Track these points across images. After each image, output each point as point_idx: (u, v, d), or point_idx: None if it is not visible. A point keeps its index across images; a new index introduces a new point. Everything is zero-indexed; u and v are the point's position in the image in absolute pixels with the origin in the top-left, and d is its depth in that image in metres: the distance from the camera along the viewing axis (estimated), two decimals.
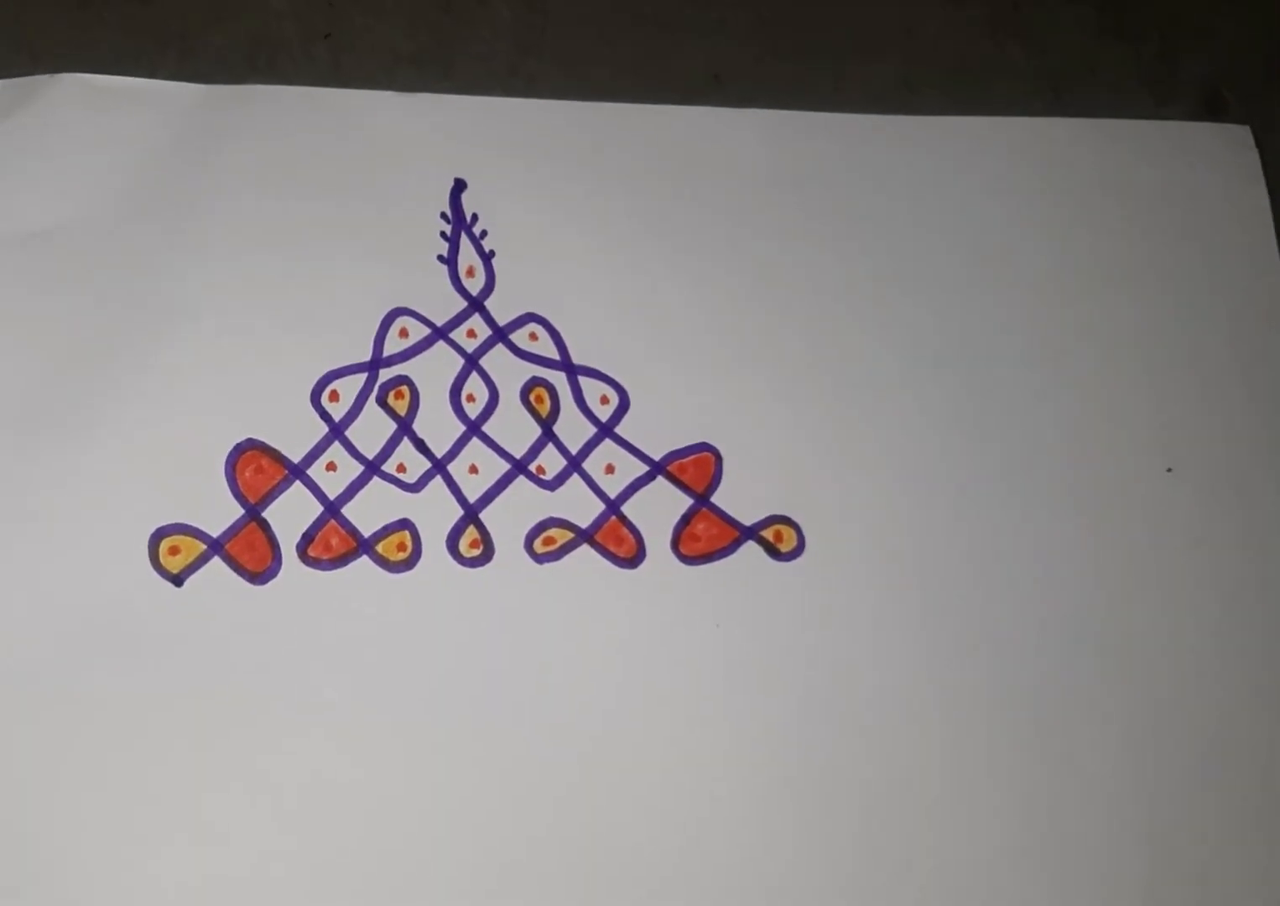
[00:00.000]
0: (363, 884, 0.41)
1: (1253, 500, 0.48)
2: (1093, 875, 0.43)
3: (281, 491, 0.44)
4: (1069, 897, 0.43)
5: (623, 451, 0.46)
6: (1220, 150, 0.52)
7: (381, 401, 0.46)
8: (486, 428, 0.46)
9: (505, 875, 0.42)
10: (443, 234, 0.48)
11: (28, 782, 0.41)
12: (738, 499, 0.46)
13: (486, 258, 0.47)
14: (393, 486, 0.45)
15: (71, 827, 0.41)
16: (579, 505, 0.45)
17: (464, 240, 0.48)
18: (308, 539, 0.44)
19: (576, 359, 0.47)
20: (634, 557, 0.45)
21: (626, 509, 0.46)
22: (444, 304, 0.47)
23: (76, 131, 0.47)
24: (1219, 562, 0.47)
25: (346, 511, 0.45)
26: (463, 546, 0.45)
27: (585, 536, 0.45)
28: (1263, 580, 0.47)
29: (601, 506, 0.46)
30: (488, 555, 0.45)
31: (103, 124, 0.48)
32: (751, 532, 0.46)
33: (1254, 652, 0.46)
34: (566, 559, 0.45)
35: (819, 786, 0.43)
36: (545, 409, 0.46)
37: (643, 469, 0.46)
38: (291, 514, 0.44)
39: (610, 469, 0.46)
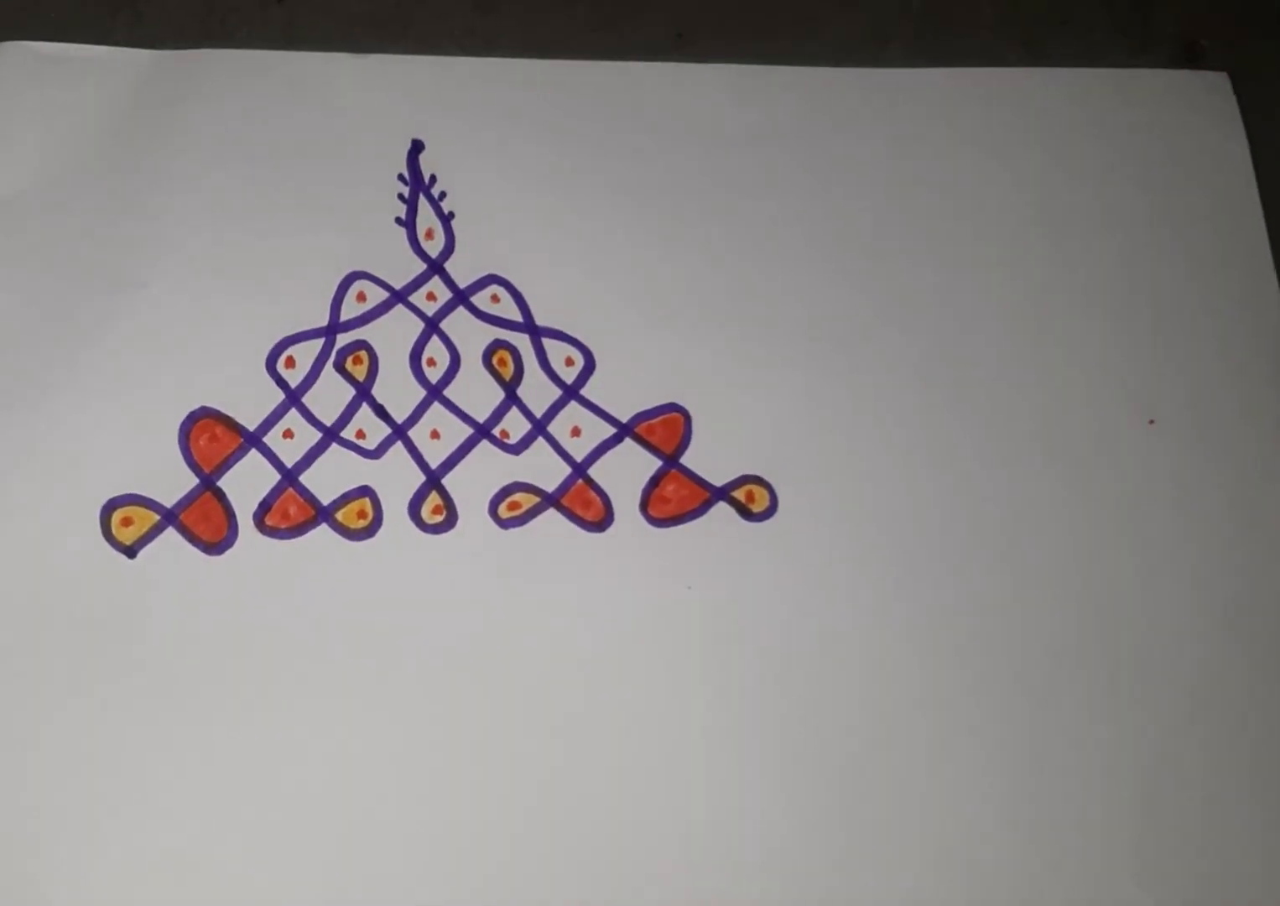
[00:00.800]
0: (327, 854, 0.40)
1: (1235, 452, 0.46)
2: (1081, 837, 0.42)
3: (237, 460, 0.43)
4: (1058, 857, 0.42)
5: (589, 413, 0.45)
6: (1198, 98, 0.50)
7: (339, 367, 0.44)
8: (448, 392, 0.45)
9: (473, 841, 0.40)
10: (400, 196, 0.46)
11: None
12: (708, 460, 0.45)
13: (446, 219, 0.46)
14: (352, 453, 0.44)
15: (26, 803, 0.40)
16: (544, 469, 0.44)
17: (422, 202, 0.46)
18: (265, 508, 0.43)
19: (540, 320, 0.46)
20: (602, 521, 0.44)
21: (594, 472, 0.44)
22: (403, 267, 0.46)
23: (24, 100, 0.46)
24: (1201, 516, 0.45)
25: (304, 479, 0.43)
26: (425, 513, 0.43)
27: (551, 500, 0.44)
28: (1246, 532, 0.45)
29: (568, 470, 0.44)
30: (451, 521, 0.43)
31: (52, 92, 0.47)
32: (722, 493, 0.44)
33: (1236, 606, 0.45)
34: (533, 523, 0.44)
35: (794, 749, 0.42)
36: (508, 372, 0.45)
37: (610, 431, 0.45)
38: (248, 482, 0.43)
39: (576, 431, 0.45)
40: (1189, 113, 0.50)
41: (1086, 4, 0.52)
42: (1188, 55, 0.52)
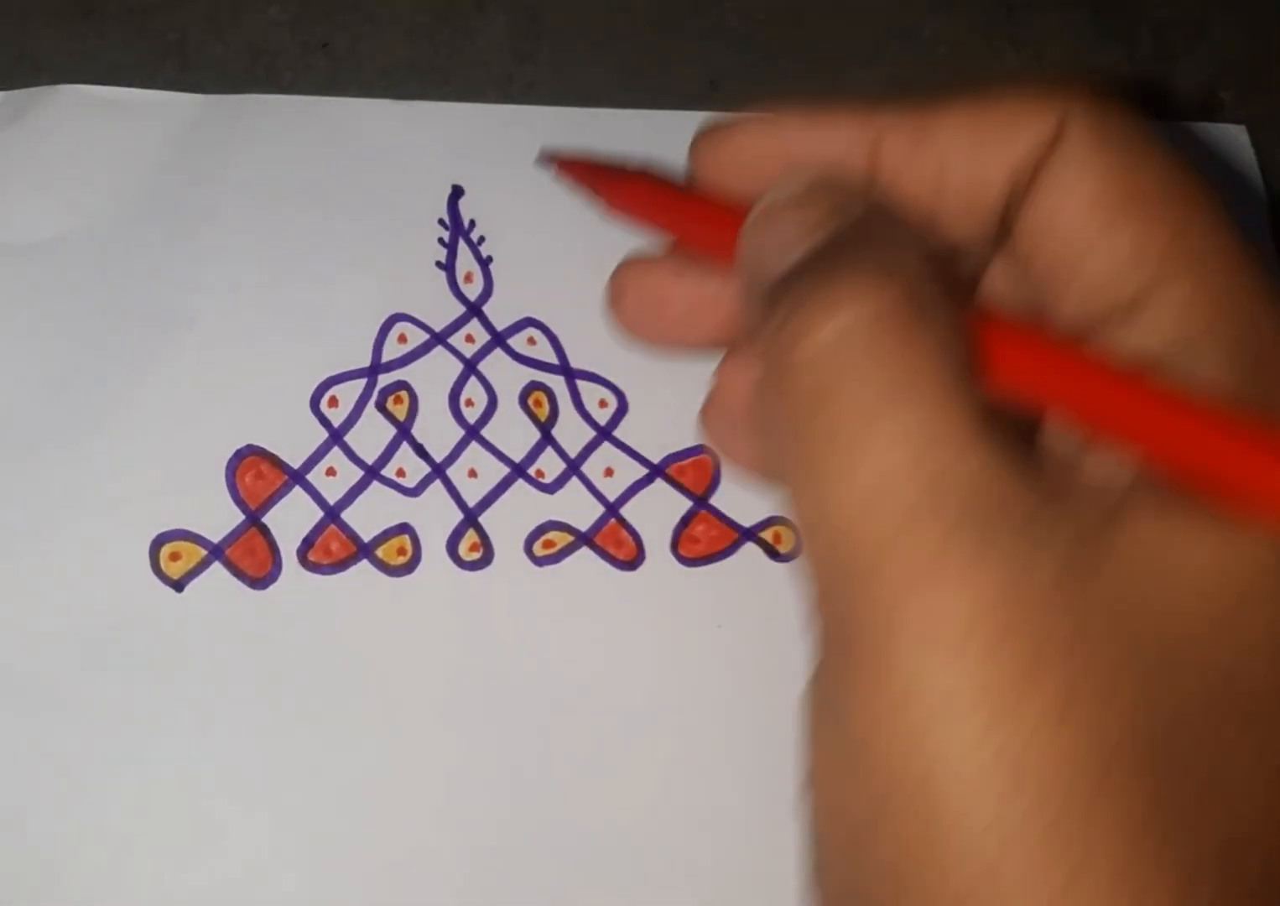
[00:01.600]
0: (366, 889, 0.41)
1: None
2: None
3: (281, 497, 0.45)
4: None
5: (622, 454, 0.46)
6: (1216, 150, 0.52)
7: (380, 407, 0.46)
8: (485, 432, 0.46)
9: (506, 875, 0.42)
10: (441, 240, 0.48)
11: (27, 792, 0.41)
12: (737, 501, 0.46)
13: (484, 263, 0.48)
14: (392, 491, 0.45)
15: (71, 837, 0.41)
16: (578, 508, 0.45)
17: (462, 246, 0.48)
18: (308, 544, 0.44)
19: (575, 363, 0.47)
20: (634, 560, 0.45)
21: (626, 511, 0.46)
22: (443, 309, 0.47)
23: (76, 142, 0.48)
24: None
25: (346, 516, 0.45)
26: (462, 550, 0.45)
27: (585, 539, 0.45)
28: None
29: (601, 509, 0.46)
30: (488, 558, 0.45)
31: (102, 135, 0.48)
32: (751, 534, 0.46)
33: None
34: (566, 561, 0.45)
35: None
36: (544, 413, 0.46)
37: (642, 472, 0.46)
38: (292, 519, 0.44)
39: (609, 472, 0.46)
40: (1207, 165, 0.51)
41: (1107, 57, 0.54)
42: (1206, 107, 0.53)
